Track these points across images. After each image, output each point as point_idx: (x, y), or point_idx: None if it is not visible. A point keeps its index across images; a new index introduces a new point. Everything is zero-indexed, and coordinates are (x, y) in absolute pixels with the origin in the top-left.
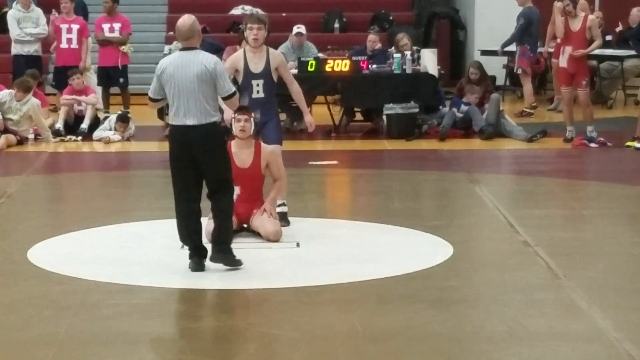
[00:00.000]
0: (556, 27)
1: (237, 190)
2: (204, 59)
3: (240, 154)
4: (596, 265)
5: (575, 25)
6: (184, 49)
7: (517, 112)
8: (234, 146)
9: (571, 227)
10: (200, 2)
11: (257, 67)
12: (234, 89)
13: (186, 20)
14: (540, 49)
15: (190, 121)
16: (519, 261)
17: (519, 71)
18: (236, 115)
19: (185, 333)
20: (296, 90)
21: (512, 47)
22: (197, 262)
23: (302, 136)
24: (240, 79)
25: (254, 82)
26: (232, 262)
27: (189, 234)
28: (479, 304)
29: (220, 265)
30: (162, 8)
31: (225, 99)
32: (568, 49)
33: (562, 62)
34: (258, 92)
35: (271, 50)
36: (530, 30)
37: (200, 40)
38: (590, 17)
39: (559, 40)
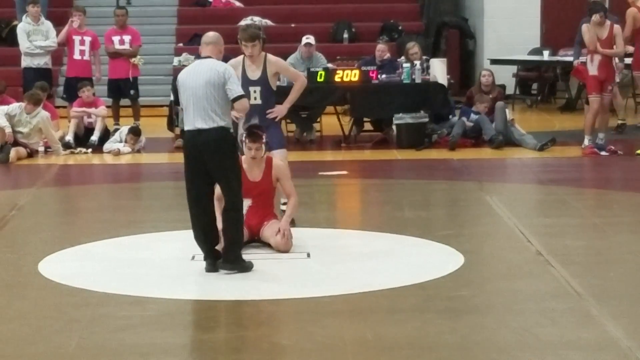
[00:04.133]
0: (589, 37)
1: (249, 202)
2: (214, 65)
3: (252, 168)
4: (608, 273)
5: (603, 33)
6: (198, 57)
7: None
8: (244, 161)
9: (582, 236)
10: (209, 13)
11: (254, 74)
12: (241, 92)
13: (213, 32)
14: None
15: (201, 124)
16: (530, 270)
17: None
18: (247, 141)
19: (196, 344)
20: (301, 83)
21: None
22: (211, 263)
23: (312, 147)
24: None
25: (251, 89)
26: (244, 269)
27: (203, 239)
28: (490, 313)
29: (229, 276)
30: (171, 20)
31: (234, 100)
32: (597, 57)
33: (592, 70)
34: (255, 98)
35: (269, 57)
36: None
37: (220, 56)
38: (616, 26)
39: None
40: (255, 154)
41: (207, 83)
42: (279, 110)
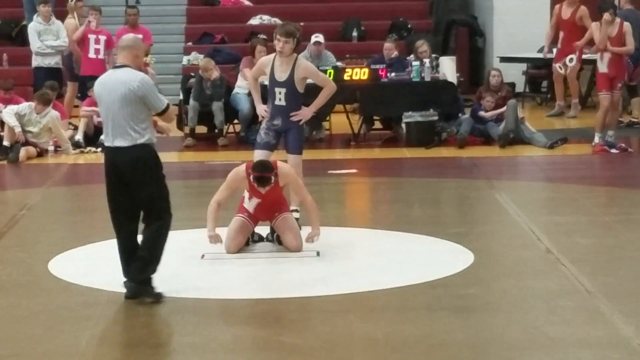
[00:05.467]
0: (600, 35)
1: (258, 200)
2: (129, 79)
3: None
4: (618, 271)
5: (613, 31)
6: (115, 66)
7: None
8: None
9: (592, 234)
10: (218, 12)
11: (281, 76)
12: (166, 102)
13: (130, 35)
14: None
15: (120, 142)
16: (540, 268)
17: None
18: (256, 184)
19: (206, 343)
20: (329, 89)
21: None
22: (129, 287)
23: (322, 145)
24: (268, 84)
25: (276, 90)
26: (154, 295)
27: (126, 263)
28: (500, 311)
29: (239, 275)
30: (180, 19)
31: (159, 114)
32: (607, 55)
33: (602, 67)
34: (280, 99)
35: (300, 60)
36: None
37: (137, 61)
38: (626, 23)
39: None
40: (263, 191)
41: (123, 99)
42: (304, 114)
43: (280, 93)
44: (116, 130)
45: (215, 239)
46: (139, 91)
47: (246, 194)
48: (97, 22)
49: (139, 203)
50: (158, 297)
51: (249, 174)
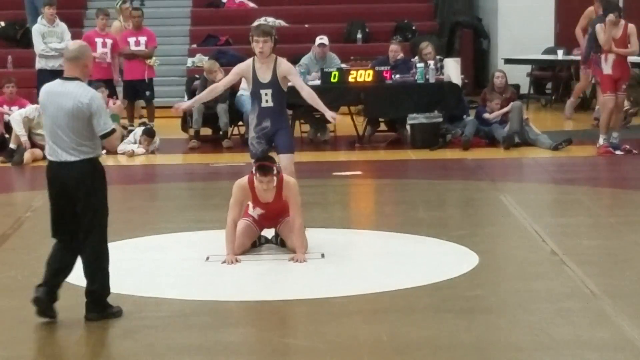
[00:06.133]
0: (605, 37)
1: (261, 211)
2: (79, 95)
3: (262, 192)
4: (623, 273)
5: (617, 33)
6: (63, 77)
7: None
8: (256, 183)
9: (597, 235)
10: (223, 14)
11: (264, 77)
12: (111, 127)
13: (76, 43)
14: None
15: (65, 156)
16: (545, 270)
17: (593, 80)
18: (258, 174)
19: (211, 345)
20: (307, 94)
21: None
22: (43, 295)
23: (326, 147)
24: (250, 88)
25: (262, 92)
26: (112, 315)
27: (52, 274)
28: (505, 313)
29: (244, 277)
30: (185, 21)
31: (102, 137)
32: (611, 56)
33: (607, 69)
34: (267, 101)
35: (279, 59)
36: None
37: (86, 71)
38: (630, 25)
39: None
40: (267, 186)
41: (70, 115)
42: (333, 115)
43: (266, 94)
44: (61, 144)
45: (233, 260)
46: (88, 108)
47: (250, 204)
48: (104, 25)
49: (81, 217)
50: (118, 314)
51: (252, 182)
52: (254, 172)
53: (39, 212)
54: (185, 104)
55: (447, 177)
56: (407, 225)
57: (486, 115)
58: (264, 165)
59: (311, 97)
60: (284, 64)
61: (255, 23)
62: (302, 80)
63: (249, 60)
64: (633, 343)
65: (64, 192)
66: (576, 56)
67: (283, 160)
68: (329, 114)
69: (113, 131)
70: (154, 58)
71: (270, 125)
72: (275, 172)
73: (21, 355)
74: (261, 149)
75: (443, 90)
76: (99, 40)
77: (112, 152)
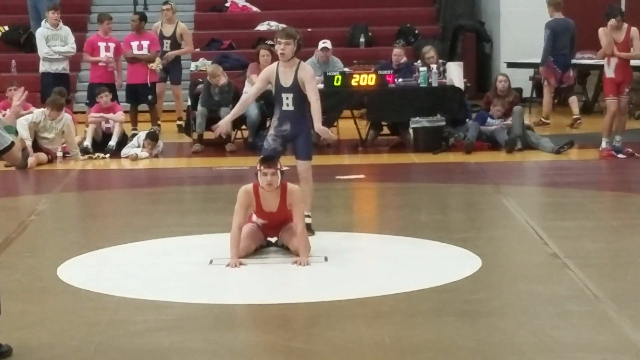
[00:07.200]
0: (606, 41)
1: (264, 221)
2: None
3: (267, 198)
4: (625, 276)
5: (620, 36)
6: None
7: (534, 121)
8: (260, 190)
9: (600, 238)
10: (226, 18)
11: (286, 81)
12: (10, 141)
13: None
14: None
15: None
16: (547, 273)
17: (545, 82)
18: (262, 168)
19: (214, 348)
20: (313, 103)
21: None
22: None
23: (329, 151)
24: (273, 91)
25: (283, 96)
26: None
27: None
28: (507, 316)
29: (247, 280)
30: (189, 25)
31: (0, 153)
32: (614, 60)
33: (609, 72)
34: (288, 105)
35: (302, 64)
36: (556, 41)
37: None
38: (633, 28)
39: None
40: (271, 179)
41: None
42: (323, 130)
43: (287, 98)
44: None
45: (237, 264)
46: None
47: (254, 215)
48: (108, 29)
49: None
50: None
51: (257, 189)
52: (258, 166)
53: (43, 216)
54: (224, 124)
55: (450, 180)
56: (409, 229)
57: (489, 121)
58: (269, 156)
59: (314, 109)
60: (305, 69)
61: (259, 28)
62: (316, 90)
63: (274, 64)
64: (635, 346)
65: None
66: (579, 60)
67: (300, 165)
68: (317, 126)
69: (12, 145)
70: (156, 62)
71: (290, 129)
72: (279, 167)
73: (25, 359)
74: (274, 146)
75: (446, 94)
76: (102, 45)
77: (16, 166)
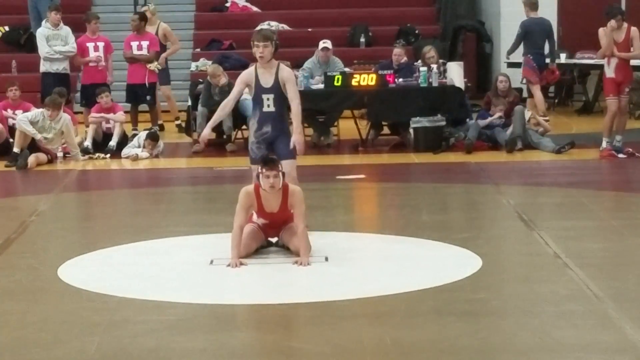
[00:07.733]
0: (606, 41)
1: (265, 221)
2: None
3: (268, 199)
4: (626, 276)
5: (620, 36)
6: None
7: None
8: (262, 191)
9: (600, 238)
10: (227, 18)
11: (267, 82)
12: None
13: None
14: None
15: None
16: (548, 273)
17: (524, 81)
18: (264, 170)
19: (215, 348)
20: (294, 107)
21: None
22: None
23: (329, 151)
24: (252, 93)
25: (264, 97)
26: None
27: None
28: (508, 316)
29: (247, 280)
30: (189, 25)
31: None
32: (614, 60)
33: (609, 72)
34: (269, 106)
35: (281, 65)
36: (532, 40)
37: None
38: (633, 28)
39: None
40: (273, 181)
41: None
42: (300, 143)
43: (268, 99)
44: None
45: (237, 264)
46: None
47: (254, 214)
48: (96, 29)
49: None
50: None
51: (258, 190)
52: (259, 169)
53: (44, 216)
54: (206, 132)
55: (450, 180)
56: (410, 229)
57: (481, 122)
58: (271, 159)
59: (295, 113)
60: (285, 70)
61: (257, 28)
62: (297, 91)
63: (251, 68)
64: (636, 346)
65: None
66: (579, 59)
67: (285, 166)
68: (295, 137)
69: None
70: (155, 62)
71: (271, 131)
72: (280, 168)
73: (25, 359)
74: (260, 154)
75: (446, 93)
76: (90, 45)
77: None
